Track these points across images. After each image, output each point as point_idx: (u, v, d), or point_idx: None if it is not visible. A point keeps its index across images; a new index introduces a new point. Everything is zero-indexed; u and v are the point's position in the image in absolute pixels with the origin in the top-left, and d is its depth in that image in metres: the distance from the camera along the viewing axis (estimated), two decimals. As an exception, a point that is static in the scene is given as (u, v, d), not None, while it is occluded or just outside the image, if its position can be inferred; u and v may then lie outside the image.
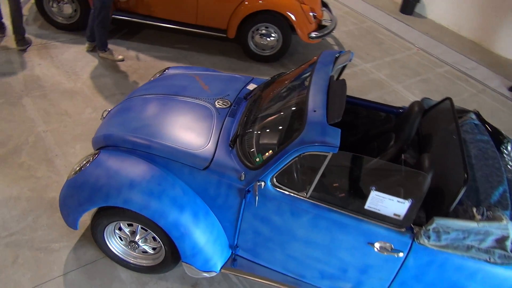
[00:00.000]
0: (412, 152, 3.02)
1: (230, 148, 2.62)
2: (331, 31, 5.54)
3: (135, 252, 2.91)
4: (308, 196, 2.41)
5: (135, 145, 2.71)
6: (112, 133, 2.80)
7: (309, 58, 5.79)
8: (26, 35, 4.96)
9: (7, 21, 5.01)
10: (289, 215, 2.47)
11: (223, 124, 2.79)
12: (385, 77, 5.74)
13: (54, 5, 5.15)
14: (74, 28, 5.37)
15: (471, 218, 2.29)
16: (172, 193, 2.56)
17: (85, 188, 2.61)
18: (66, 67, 4.78)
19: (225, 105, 2.94)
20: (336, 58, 2.86)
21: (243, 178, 2.49)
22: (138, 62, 5.09)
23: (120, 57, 5.04)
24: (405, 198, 2.25)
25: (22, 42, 4.92)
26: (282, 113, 2.62)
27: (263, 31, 5.28)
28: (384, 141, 3.14)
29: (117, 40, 5.41)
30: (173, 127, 2.75)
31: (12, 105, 4.14)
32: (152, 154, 2.67)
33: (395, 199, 2.26)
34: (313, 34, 5.32)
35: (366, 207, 2.33)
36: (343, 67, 3.13)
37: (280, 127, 2.54)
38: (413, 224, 2.35)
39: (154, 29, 5.62)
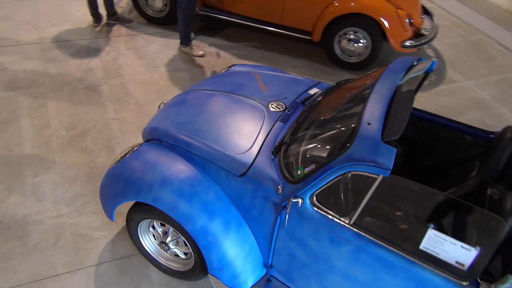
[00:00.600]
0: (502, 187, 2.47)
1: (273, 156, 2.34)
2: (429, 40, 4.95)
3: (166, 253, 2.76)
4: (351, 223, 2.03)
5: (176, 141, 2.55)
6: (158, 126, 2.68)
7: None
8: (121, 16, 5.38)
9: (103, 12, 5.26)
10: (328, 241, 2.11)
11: (271, 129, 2.51)
12: (489, 97, 4.99)
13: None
14: (162, 22, 5.46)
15: None
16: (204, 198, 2.35)
17: (120, 179, 2.51)
18: (147, 58, 4.86)
19: (279, 109, 2.66)
20: (412, 66, 2.42)
21: (280, 191, 2.19)
22: (217, 59, 5.00)
23: (201, 52, 5.00)
24: (473, 244, 1.78)
25: (112, 17, 5.28)
26: (336, 123, 2.27)
27: (351, 36, 4.88)
28: (466, 170, 2.62)
29: (202, 36, 5.39)
30: (218, 126, 2.54)
31: (91, 91, 4.28)
32: (191, 152, 2.49)
33: (459, 243, 1.80)
34: (408, 43, 4.79)
35: (421, 247, 1.89)
36: (424, 78, 2.68)
37: (331, 139, 2.20)
38: (480, 278, 1.86)
39: (239, 27, 5.52)
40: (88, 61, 4.69)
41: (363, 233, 2.01)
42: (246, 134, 2.49)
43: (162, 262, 2.77)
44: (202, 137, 2.48)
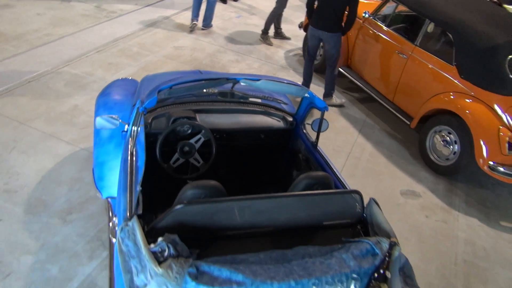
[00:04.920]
0: None
1: None
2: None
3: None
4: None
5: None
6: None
7: (499, 201, 4.42)
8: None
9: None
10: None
11: None
12: None
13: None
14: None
15: None
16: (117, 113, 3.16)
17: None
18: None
19: None
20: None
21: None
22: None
23: (343, 100, 5.48)
24: None
25: (277, 34, 7.15)
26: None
27: (447, 138, 4.48)
28: None
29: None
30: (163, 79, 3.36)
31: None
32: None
33: None
34: (501, 168, 4.06)
35: None
36: (321, 116, 2.73)
37: None
38: None
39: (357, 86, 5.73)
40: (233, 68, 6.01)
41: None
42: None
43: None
44: (146, 80, 3.34)
